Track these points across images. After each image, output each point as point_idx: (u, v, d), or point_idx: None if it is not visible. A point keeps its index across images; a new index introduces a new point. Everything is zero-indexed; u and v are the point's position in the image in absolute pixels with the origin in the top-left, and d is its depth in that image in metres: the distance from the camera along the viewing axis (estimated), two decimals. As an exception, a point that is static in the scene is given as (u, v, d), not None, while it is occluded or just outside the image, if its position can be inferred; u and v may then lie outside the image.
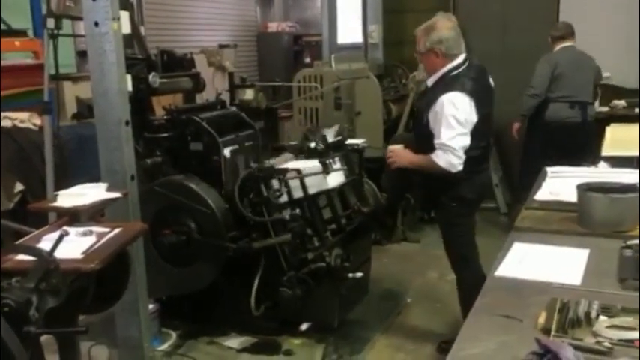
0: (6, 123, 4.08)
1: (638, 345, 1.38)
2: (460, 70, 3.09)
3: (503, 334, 1.51)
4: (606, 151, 3.47)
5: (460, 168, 3.00)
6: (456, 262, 3.31)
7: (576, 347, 1.32)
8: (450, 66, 3.09)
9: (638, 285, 1.72)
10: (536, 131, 4.97)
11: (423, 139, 3.11)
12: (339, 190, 3.66)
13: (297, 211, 3.27)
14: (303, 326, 3.49)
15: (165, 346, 3.48)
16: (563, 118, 4.78)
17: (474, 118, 3.01)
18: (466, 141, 3.00)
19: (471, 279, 3.13)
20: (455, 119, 2.97)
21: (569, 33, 4.90)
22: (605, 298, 1.64)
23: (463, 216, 3.25)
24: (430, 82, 3.20)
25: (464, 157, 2.99)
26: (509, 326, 1.55)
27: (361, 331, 3.64)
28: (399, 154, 3.27)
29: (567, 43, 4.88)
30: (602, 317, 1.53)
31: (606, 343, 1.39)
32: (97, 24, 2.57)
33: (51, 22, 3.53)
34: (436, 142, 3.01)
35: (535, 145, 4.94)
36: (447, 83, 3.06)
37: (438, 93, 3.03)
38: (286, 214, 3.24)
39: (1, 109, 4.19)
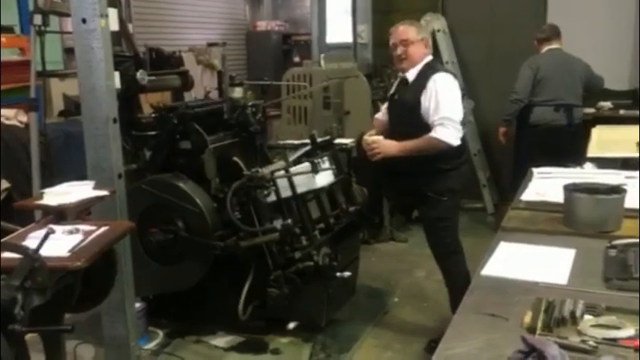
0: (-8, 120, 4.05)
1: (638, 346, 1.38)
2: (435, 64, 3.29)
3: (490, 332, 1.52)
4: (592, 152, 3.49)
5: (459, 142, 3.08)
6: (446, 258, 3.32)
7: (561, 346, 1.33)
8: (429, 59, 3.26)
9: (622, 285, 1.74)
10: (524, 134, 5.00)
11: (410, 131, 3.13)
12: (328, 190, 3.66)
13: (289, 220, 3.23)
14: (291, 325, 3.48)
15: (152, 345, 3.46)
16: (548, 122, 4.79)
17: (460, 101, 3.13)
18: (461, 115, 3.10)
19: (461, 275, 3.17)
20: (450, 94, 3.09)
21: (554, 34, 4.91)
22: (591, 297, 1.66)
23: (454, 208, 3.28)
24: (411, 75, 3.23)
25: (462, 130, 3.08)
26: (495, 325, 1.56)
27: (349, 330, 3.65)
28: (384, 143, 3.19)
29: (553, 45, 4.89)
30: (587, 316, 1.54)
31: (591, 342, 1.41)
32: (84, 20, 2.55)
33: (38, 19, 3.50)
34: (434, 118, 3.06)
35: (524, 148, 4.97)
36: (432, 68, 3.20)
37: (425, 79, 3.13)
38: (277, 224, 3.21)
39: (-13, 106, 4.16)
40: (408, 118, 3.20)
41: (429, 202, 3.23)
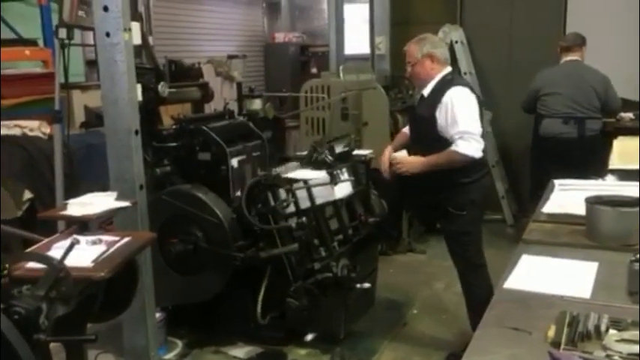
0: (16, 131, 4.11)
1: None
2: (453, 76, 3.25)
3: (513, 347, 1.50)
4: (614, 163, 3.45)
5: (481, 154, 3.07)
6: (469, 272, 3.29)
7: (587, 361, 1.32)
8: (444, 72, 3.22)
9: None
10: (535, 146, 4.98)
11: (431, 144, 3.13)
12: (346, 201, 3.66)
13: (304, 219, 3.25)
14: (309, 337, 3.47)
15: (171, 355, 3.47)
16: (556, 134, 4.73)
17: (478, 114, 3.11)
18: (480, 128, 3.08)
19: (484, 288, 3.14)
20: (467, 107, 3.07)
21: (576, 44, 4.85)
22: (615, 311, 1.64)
23: (475, 221, 3.26)
24: (426, 91, 3.22)
25: (483, 142, 3.05)
26: (518, 339, 1.54)
27: (367, 343, 3.63)
28: (408, 160, 3.24)
29: (572, 57, 4.83)
30: (611, 331, 1.52)
31: (616, 357, 1.39)
32: (108, 34, 2.60)
33: (63, 32, 3.56)
34: (453, 133, 3.04)
35: (536, 160, 4.94)
36: (447, 83, 3.17)
37: (441, 93, 3.11)
38: (293, 222, 3.22)
39: (11, 117, 4.22)
40: (426, 133, 3.20)
41: (449, 217, 3.21)
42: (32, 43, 4.89)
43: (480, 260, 3.29)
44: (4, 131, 4.07)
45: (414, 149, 3.30)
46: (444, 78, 3.21)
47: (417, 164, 3.17)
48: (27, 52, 4.78)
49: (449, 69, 3.27)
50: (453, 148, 3.05)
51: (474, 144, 3.04)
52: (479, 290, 3.20)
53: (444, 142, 3.09)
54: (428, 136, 3.19)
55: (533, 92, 4.87)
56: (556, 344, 1.47)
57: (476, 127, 3.07)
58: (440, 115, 3.10)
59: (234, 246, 3.26)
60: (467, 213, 3.16)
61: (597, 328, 1.52)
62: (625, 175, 3.09)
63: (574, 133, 4.72)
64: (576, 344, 1.46)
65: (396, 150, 3.45)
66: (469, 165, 3.10)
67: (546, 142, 4.81)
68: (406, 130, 3.58)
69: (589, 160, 4.20)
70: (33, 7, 5.01)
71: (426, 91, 3.23)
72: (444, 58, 3.26)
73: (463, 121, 3.04)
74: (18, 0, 5.15)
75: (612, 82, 4.78)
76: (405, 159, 3.25)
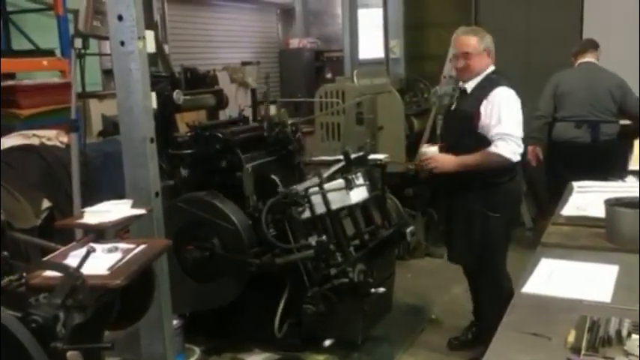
0: (34, 141, 4.15)
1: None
2: (498, 75, 3.17)
3: (532, 352, 1.48)
4: (634, 165, 3.40)
5: (519, 158, 3.02)
6: (495, 276, 3.22)
7: (608, 367, 1.29)
8: (490, 69, 3.18)
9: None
10: (549, 150, 4.91)
11: (465, 141, 3.06)
12: (362, 206, 3.64)
13: (324, 237, 3.21)
14: (327, 342, 3.46)
15: (188, 362, 3.48)
16: (569, 138, 4.65)
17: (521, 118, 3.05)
18: (522, 132, 3.03)
19: (505, 292, 3.08)
20: (513, 109, 3.01)
21: (591, 46, 4.79)
22: (637, 315, 1.60)
23: (507, 226, 3.21)
24: (470, 86, 3.16)
25: (522, 147, 3.01)
26: (537, 345, 1.52)
27: (385, 348, 3.61)
28: (441, 158, 3.13)
29: (587, 59, 4.76)
30: (634, 336, 1.49)
31: (639, 363, 1.36)
32: (122, 43, 2.61)
33: (79, 42, 3.60)
34: (494, 132, 2.98)
35: (550, 164, 4.87)
36: (495, 81, 3.10)
37: (487, 90, 3.05)
38: (312, 240, 3.18)
39: (29, 127, 4.27)
40: (462, 129, 3.13)
41: (483, 220, 3.12)
42: (49, 53, 4.95)
43: (505, 265, 3.21)
44: (22, 141, 4.11)
45: (446, 147, 3.23)
46: (489, 75, 3.15)
47: (451, 163, 3.08)
48: (44, 62, 4.84)
49: (493, 67, 3.21)
50: (492, 149, 2.98)
51: (513, 146, 2.97)
52: (500, 296, 3.14)
53: (479, 141, 3.03)
54: (464, 133, 3.11)
55: (548, 95, 4.77)
56: (576, 350, 1.44)
57: (518, 131, 3.01)
58: (485, 111, 3.03)
59: (250, 252, 3.27)
60: (500, 215, 3.08)
61: (619, 332, 1.49)
62: (645, 176, 3.04)
63: (587, 138, 4.62)
64: (597, 350, 1.44)
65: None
66: (503, 166, 3.03)
67: (559, 147, 4.74)
68: None
69: (604, 165, 4.09)
70: (50, 18, 5.07)
71: (470, 86, 3.16)
72: (493, 54, 3.22)
73: (507, 122, 2.98)
74: (35, 11, 5.22)
75: (631, 84, 4.70)
76: (438, 156, 3.14)
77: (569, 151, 4.65)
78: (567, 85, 4.71)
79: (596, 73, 4.73)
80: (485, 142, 3.02)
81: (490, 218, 3.08)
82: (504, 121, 2.97)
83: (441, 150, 3.25)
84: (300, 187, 3.32)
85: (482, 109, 3.03)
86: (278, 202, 3.26)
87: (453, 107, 3.33)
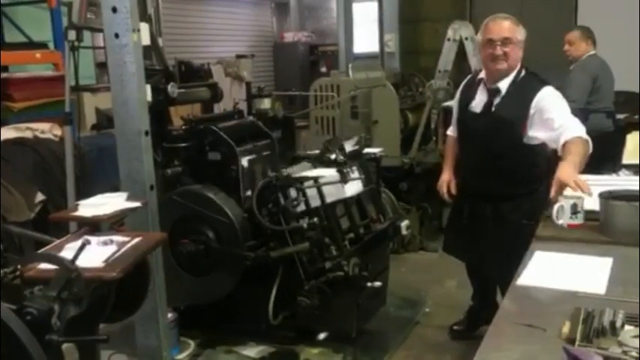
0: (27, 134, 4.14)
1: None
2: (533, 72, 2.89)
3: (527, 343, 1.49)
4: (628, 158, 3.41)
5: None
6: (506, 282, 3.08)
7: (603, 357, 1.30)
8: (519, 65, 2.86)
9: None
10: None
11: (507, 147, 2.79)
12: (357, 199, 3.65)
13: (315, 219, 3.24)
14: (321, 336, 3.47)
15: (183, 356, 3.48)
16: (603, 129, 4.53)
17: None
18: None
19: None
20: (566, 107, 2.75)
21: (592, 40, 4.80)
22: (631, 307, 1.61)
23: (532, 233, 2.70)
24: (504, 84, 2.82)
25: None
26: (532, 336, 1.53)
27: (379, 341, 3.61)
28: (570, 175, 2.35)
29: (593, 51, 4.78)
30: (627, 327, 1.50)
31: (633, 354, 1.37)
32: (117, 36, 2.60)
33: (72, 35, 3.58)
34: (560, 124, 2.64)
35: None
36: (538, 80, 2.82)
37: (531, 90, 2.74)
38: (304, 223, 3.21)
39: (23, 120, 4.26)
40: (511, 140, 2.79)
41: (515, 226, 2.86)
42: (42, 46, 4.92)
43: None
44: (15, 134, 4.10)
45: (470, 160, 2.96)
46: (526, 72, 2.84)
47: (574, 171, 2.41)
48: (37, 55, 4.82)
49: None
50: (576, 134, 2.58)
51: (579, 122, 2.68)
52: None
53: (520, 148, 2.79)
54: (510, 144, 2.78)
55: (585, 85, 4.57)
56: (571, 341, 1.45)
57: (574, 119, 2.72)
58: (532, 121, 2.70)
59: (245, 246, 3.26)
60: (533, 223, 2.64)
61: (613, 324, 1.50)
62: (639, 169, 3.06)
63: (612, 127, 4.66)
64: (591, 340, 1.45)
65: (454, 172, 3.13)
66: (535, 172, 2.87)
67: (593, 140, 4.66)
68: (451, 132, 3.29)
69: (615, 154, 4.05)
70: (43, 11, 5.05)
71: (504, 85, 2.82)
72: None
73: (566, 112, 2.72)
74: (28, 3, 5.19)
75: (626, 77, 4.76)
76: (568, 177, 2.33)
77: (599, 142, 4.60)
78: (602, 75, 4.68)
79: (607, 65, 4.75)
80: (524, 147, 2.78)
81: (525, 227, 2.76)
82: (564, 111, 2.70)
83: (457, 157, 3.08)
84: (290, 170, 3.31)
85: (530, 120, 2.71)
86: (269, 184, 3.25)
87: (479, 109, 2.92)
